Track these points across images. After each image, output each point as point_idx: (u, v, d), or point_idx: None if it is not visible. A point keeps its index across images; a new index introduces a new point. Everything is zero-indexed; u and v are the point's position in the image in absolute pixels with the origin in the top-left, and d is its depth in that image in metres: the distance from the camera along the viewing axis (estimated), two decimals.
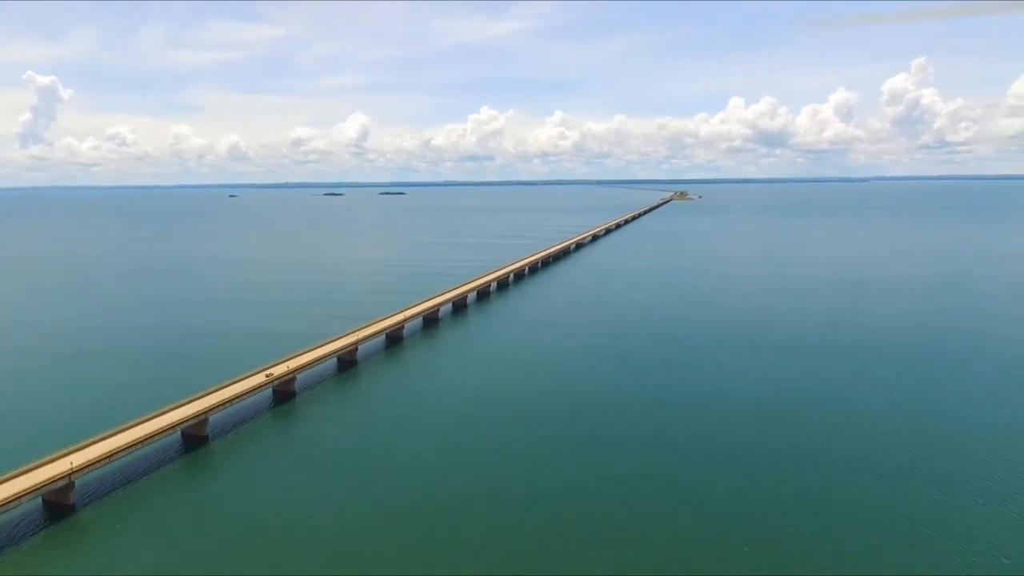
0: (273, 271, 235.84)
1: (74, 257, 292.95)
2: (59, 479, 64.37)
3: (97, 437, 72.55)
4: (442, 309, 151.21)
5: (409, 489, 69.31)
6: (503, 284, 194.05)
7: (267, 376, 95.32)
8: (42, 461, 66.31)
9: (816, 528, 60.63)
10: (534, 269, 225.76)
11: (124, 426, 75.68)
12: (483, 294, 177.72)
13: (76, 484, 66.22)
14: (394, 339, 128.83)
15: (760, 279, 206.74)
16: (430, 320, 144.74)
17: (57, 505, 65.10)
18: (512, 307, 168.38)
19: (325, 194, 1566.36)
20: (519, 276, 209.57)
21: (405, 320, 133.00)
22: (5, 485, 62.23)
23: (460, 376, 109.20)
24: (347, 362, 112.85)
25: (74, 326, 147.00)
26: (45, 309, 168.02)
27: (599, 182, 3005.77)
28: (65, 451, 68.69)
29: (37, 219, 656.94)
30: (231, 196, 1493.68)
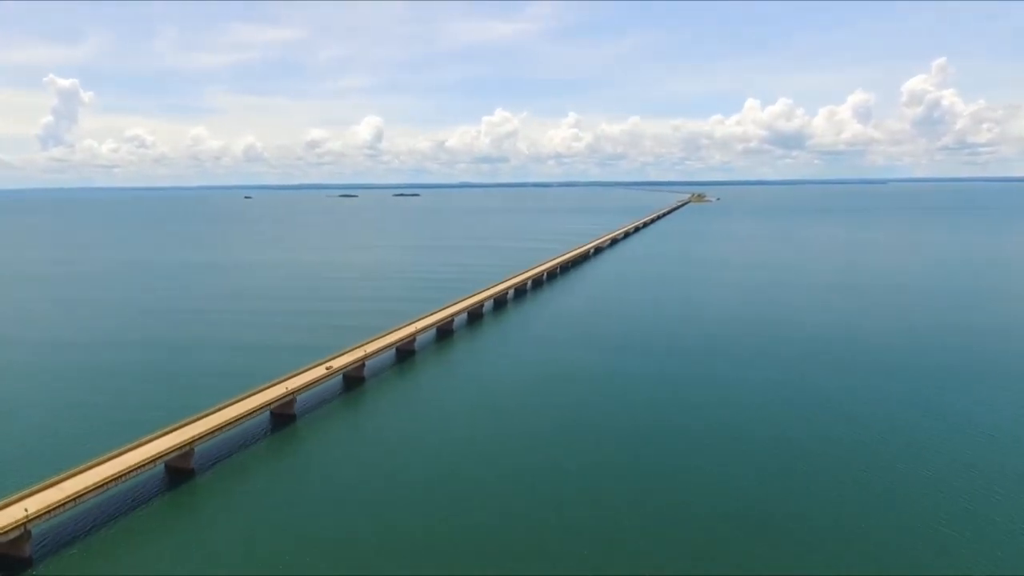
0: (277, 277, 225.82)
1: (60, 263, 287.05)
2: (12, 528, 55.16)
3: (57, 478, 63.24)
4: (456, 320, 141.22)
5: (420, 526, 61.63)
6: (520, 291, 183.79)
7: (327, 368, 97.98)
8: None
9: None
10: (552, 275, 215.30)
11: (89, 463, 66.39)
12: (500, 302, 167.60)
13: (32, 533, 56.94)
14: (405, 353, 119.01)
15: (787, 285, 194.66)
16: (444, 332, 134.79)
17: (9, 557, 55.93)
18: (530, 317, 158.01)
19: (340, 195, 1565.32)
20: (537, 282, 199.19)
21: (417, 332, 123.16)
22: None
23: (476, 395, 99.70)
24: (353, 380, 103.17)
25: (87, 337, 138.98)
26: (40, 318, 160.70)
27: (613, 183, 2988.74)
28: (19, 495, 59.39)
29: (48, 219, 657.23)
30: (246, 197, 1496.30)
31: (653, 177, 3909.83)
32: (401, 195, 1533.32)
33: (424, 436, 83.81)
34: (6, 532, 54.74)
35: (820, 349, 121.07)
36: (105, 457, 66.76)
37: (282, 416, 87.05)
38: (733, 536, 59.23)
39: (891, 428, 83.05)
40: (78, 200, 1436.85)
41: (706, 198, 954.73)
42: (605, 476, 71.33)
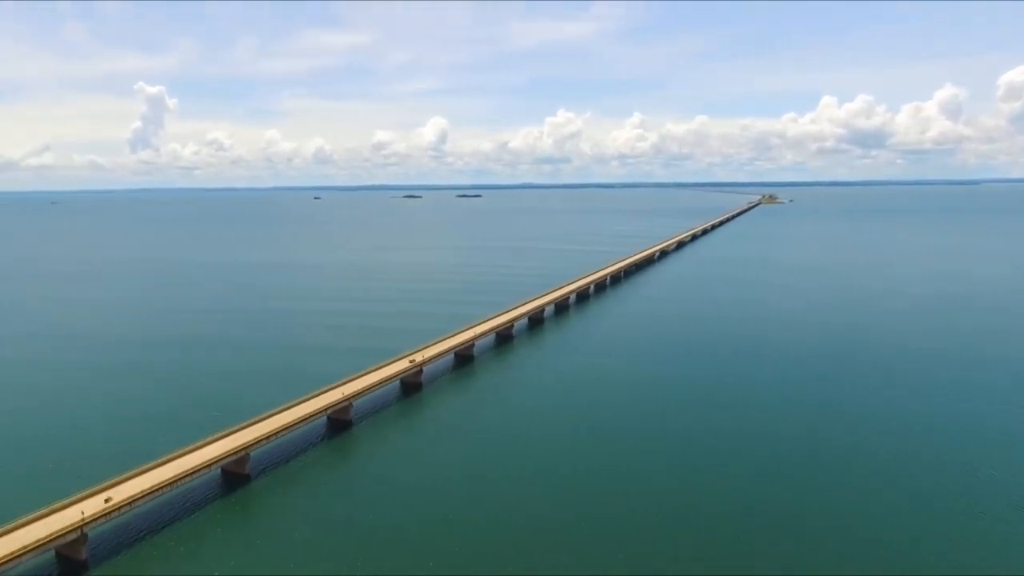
0: (338, 277, 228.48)
1: (131, 261, 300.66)
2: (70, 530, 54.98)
3: (113, 481, 63.05)
4: (517, 325, 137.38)
5: (475, 536, 60.29)
6: (583, 296, 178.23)
7: (411, 362, 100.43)
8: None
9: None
10: (616, 279, 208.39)
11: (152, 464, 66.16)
12: (561, 307, 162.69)
13: (88, 536, 56.68)
14: (463, 359, 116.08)
15: (867, 293, 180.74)
16: (503, 337, 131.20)
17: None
18: (592, 323, 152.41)
19: (404, 196, 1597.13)
20: (600, 287, 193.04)
21: (476, 337, 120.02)
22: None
23: (536, 403, 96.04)
24: (411, 386, 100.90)
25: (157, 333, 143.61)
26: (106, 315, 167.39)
27: (678, 184, 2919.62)
28: (76, 498, 59.36)
29: (131, 218, 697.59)
30: (315, 198, 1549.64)
31: (720, 178, 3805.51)
32: (464, 196, 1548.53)
33: (481, 445, 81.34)
34: (63, 535, 54.54)
35: (899, 366, 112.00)
36: (161, 461, 66.47)
37: (338, 422, 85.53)
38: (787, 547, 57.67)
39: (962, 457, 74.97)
40: (161, 200, 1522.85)
41: (778, 199, 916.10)
42: (668, 483, 70.02)
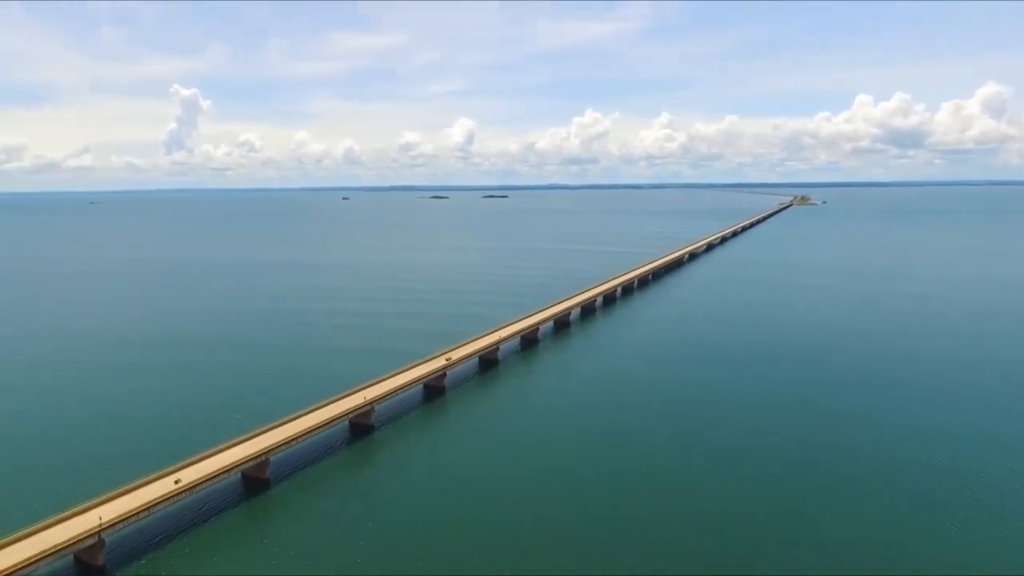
0: (362, 278, 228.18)
1: (156, 260, 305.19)
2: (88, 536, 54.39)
3: (132, 485, 62.50)
4: (542, 328, 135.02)
5: (498, 543, 59.50)
6: (610, 299, 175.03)
7: (447, 360, 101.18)
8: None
9: None
10: (644, 281, 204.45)
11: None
12: (588, 310, 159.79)
13: (106, 541, 56.06)
14: (488, 363, 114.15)
15: (903, 298, 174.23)
16: (529, 340, 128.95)
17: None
18: (619, 327, 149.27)
19: (431, 196, 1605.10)
20: (627, 289, 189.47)
21: (500, 341, 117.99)
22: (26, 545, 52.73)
23: (561, 409, 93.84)
24: (434, 390, 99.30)
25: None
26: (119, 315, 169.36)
27: (708, 185, 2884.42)
28: (94, 502, 58.85)
29: (165, 218, 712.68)
30: (344, 198, 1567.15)
31: (751, 178, 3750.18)
32: (490, 196, 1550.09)
33: (505, 450, 79.90)
34: (81, 540, 53.97)
35: (931, 372, 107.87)
36: (180, 465, 65.72)
37: (360, 427, 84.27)
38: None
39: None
40: (194, 200, 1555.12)
41: (811, 200, 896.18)
42: (693, 488, 69.14)
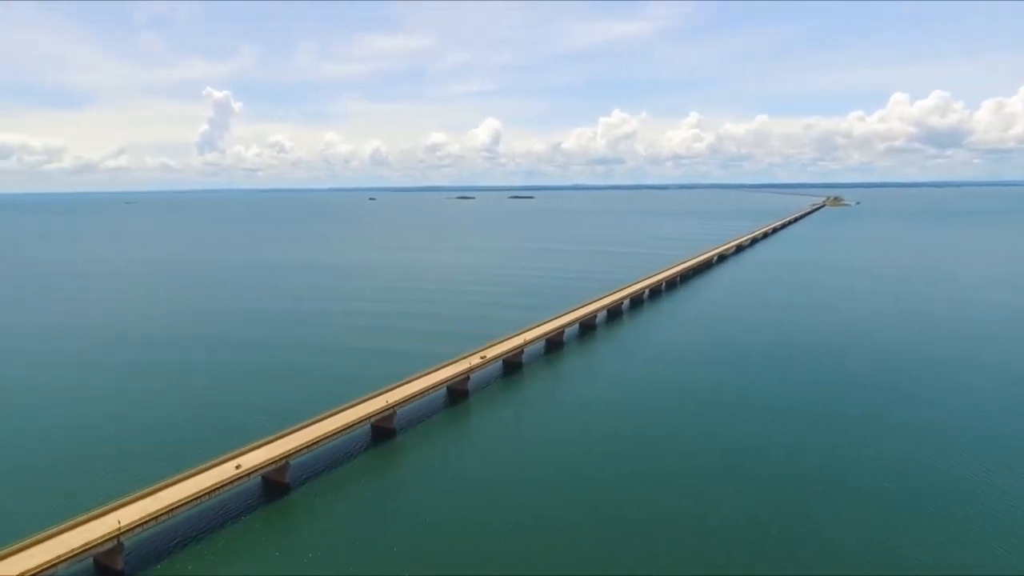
0: (386, 278, 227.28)
1: (181, 260, 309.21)
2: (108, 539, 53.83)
3: (152, 488, 61.91)
4: (567, 331, 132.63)
5: (521, 549, 58.43)
6: (637, 301, 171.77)
7: (482, 358, 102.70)
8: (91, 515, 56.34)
9: None
10: (672, 284, 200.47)
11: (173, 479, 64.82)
12: (614, 313, 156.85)
13: (125, 545, 55.48)
14: (512, 366, 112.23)
15: (942, 302, 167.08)
16: (553, 344, 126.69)
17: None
18: (647, 331, 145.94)
19: (457, 197, 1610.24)
20: (655, 292, 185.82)
21: (525, 344, 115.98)
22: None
23: (586, 414, 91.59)
24: (457, 393, 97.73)
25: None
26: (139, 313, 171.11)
27: (736, 186, 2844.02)
28: (113, 505, 58.34)
29: (198, 217, 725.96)
30: (371, 199, 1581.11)
31: (781, 179, 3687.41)
32: (516, 197, 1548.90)
33: (529, 456, 78.18)
34: (100, 543, 53.46)
35: (967, 382, 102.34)
36: (200, 468, 65.08)
37: (381, 430, 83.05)
38: None
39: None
40: (225, 200, 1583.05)
41: (843, 201, 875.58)
42: (721, 500, 66.73)
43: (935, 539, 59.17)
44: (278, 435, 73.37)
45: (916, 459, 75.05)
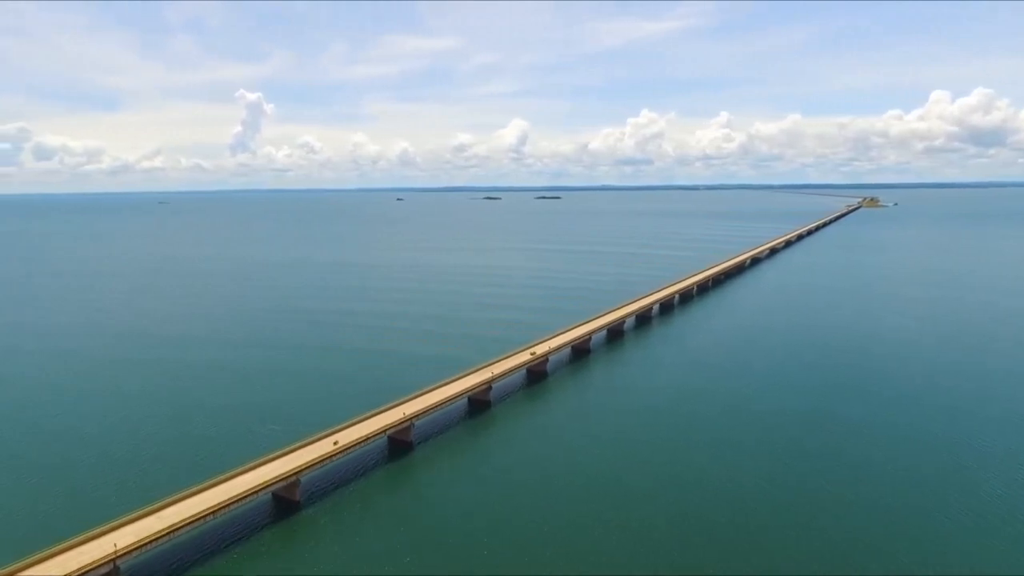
0: (409, 279, 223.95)
1: (208, 259, 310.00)
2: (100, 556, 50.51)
3: (153, 507, 58.61)
4: (594, 338, 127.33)
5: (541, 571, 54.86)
6: (667, 306, 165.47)
7: (532, 354, 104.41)
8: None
9: None
10: (704, 288, 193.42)
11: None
12: (643, 319, 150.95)
13: (121, 569, 52.14)
14: (536, 375, 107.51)
15: (992, 311, 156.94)
16: (580, 351, 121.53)
17: None
18: (677, 338, 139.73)
19: (484, 197, 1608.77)
20: (686, 297, 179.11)
21: (550, 352, 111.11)
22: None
23: (613, 426, 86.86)
24: (478, 404, 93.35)
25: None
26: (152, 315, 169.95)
27: (767, 186, 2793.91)
28: (111, 525, 55.06)
29: (231, 217, 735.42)
30: (398, 199, 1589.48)
31: (813, 179, 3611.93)
32: (543, 198, 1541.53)
33: (553, 471, 73.74)
34: (94, 568, 50.23)
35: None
36: (206, 485, 61.71)
37: (398, 443, 79.06)
38: None
39: None
40: (254, 201, 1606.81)
41: (880, 202, 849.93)
42: (745, 525, 62.25)
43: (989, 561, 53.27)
44: (290, 448, 69.84)
45: (964, 477, 69.42)
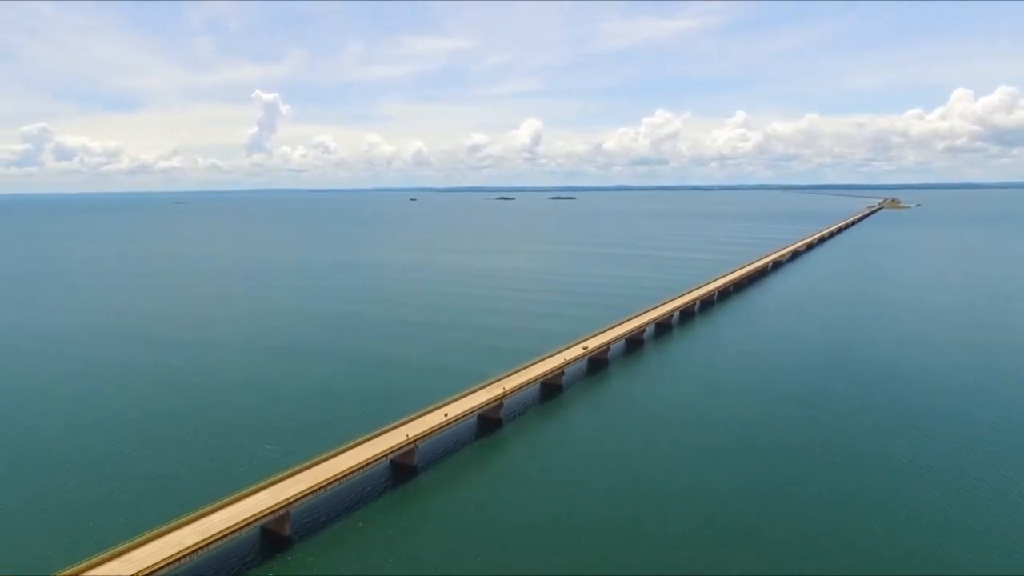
0: (418, 281, 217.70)
1: (214, 259, 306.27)
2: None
3: (127, 545, 52.70)
4: (612, 348, 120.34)
5: None
6: (687, 313, 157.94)
7: (584, 349, 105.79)
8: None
9: None
10: (725, 294, 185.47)
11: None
12: (663, 327, 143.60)
13: None
14: (551, 388, 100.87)
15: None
16: (597, 363, 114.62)
17: None
18: (699, 348, 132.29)
19: (498, 198, 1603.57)
20: (707, 303, 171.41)
21: (566, 364, 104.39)
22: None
23: (632, 442, 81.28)
24: (488, 421, 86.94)
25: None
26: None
27: (784, 187, 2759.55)
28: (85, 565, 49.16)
29: (245, 217, 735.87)
30: (412, 199, 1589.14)
31: (831, 180, 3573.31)
32: (557, 198, 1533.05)
33: (570, 498, 67.60)
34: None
35: None
36: (184, 520, 55.70)
37: (401, 467, 72.87)
38: None
39: None
40: (270, 200, 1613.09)
41: (902, 203, 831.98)
42: (773, 519, 56.03)
43: None
44: (281, 475, 63.77)
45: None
